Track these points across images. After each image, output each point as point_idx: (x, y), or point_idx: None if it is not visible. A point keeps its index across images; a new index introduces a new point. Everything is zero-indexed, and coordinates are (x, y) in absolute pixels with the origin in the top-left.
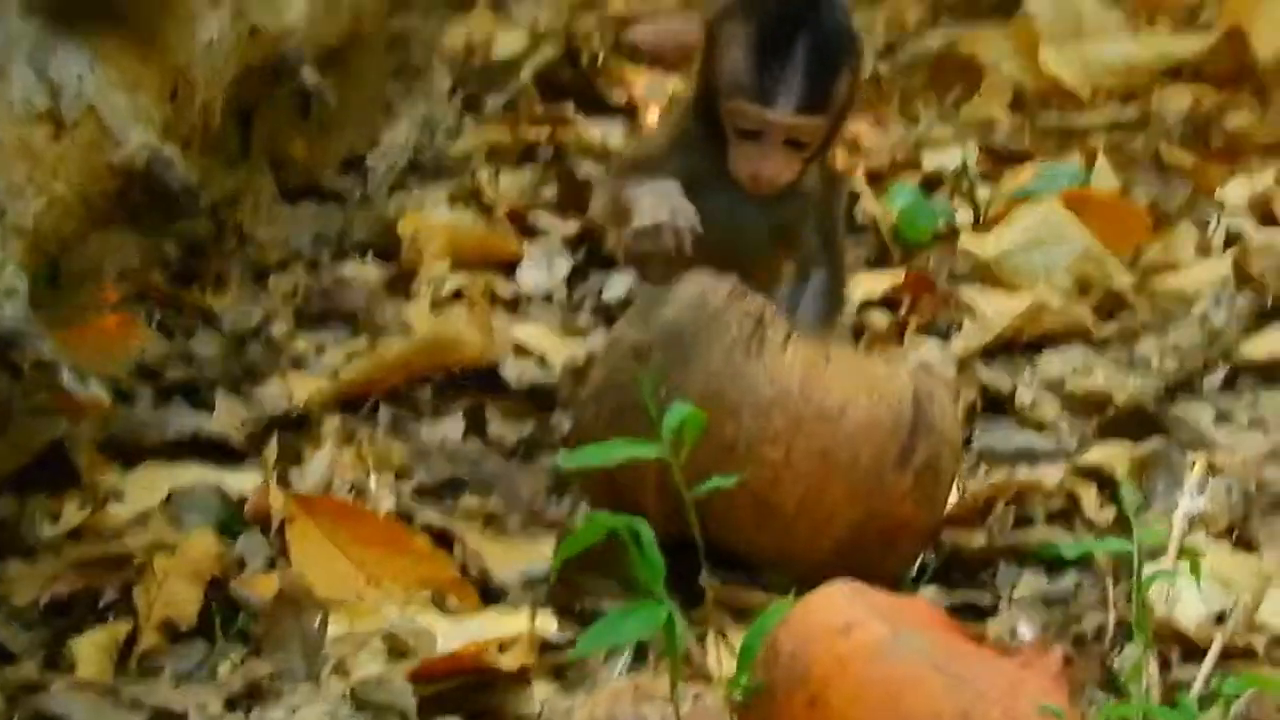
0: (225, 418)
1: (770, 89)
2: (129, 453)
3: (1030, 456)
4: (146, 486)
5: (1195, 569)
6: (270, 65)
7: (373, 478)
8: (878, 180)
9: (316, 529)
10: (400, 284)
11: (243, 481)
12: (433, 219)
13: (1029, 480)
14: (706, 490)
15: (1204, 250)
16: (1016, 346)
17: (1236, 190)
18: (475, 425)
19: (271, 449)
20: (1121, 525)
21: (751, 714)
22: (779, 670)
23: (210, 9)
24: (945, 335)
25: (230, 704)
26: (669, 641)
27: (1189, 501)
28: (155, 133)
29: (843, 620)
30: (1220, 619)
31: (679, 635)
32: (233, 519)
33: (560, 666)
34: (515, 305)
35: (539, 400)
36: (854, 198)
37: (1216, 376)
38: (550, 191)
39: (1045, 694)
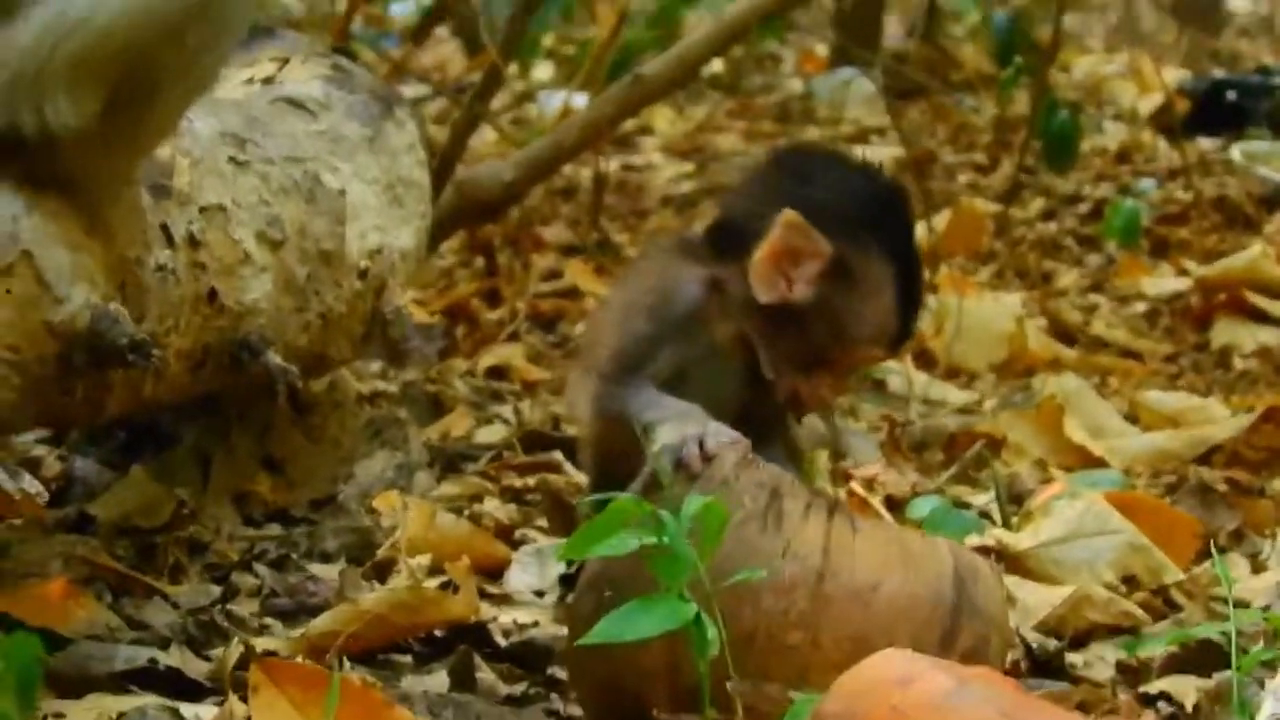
0: (180, 657)
1: (906, 337)
2: (74, 684)
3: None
4: (94, 710)
5: None
6: (231, 350)
7: None
8: (896, 505)
9: (284, 699)
10: (377, 574)
11: (201, 712)
12: (413, 510)
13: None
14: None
15: (1258, 571)
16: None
17: None
18: (462, 679)
19: (228, 667)
20: None
21: None
22: None
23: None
24: None
25: None
26: (700, 640)
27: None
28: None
29: (900, 673)
30: None
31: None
32: None
33: None
34: (504, 600)
35: (532, 660)
36: None
37: None
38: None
39: None
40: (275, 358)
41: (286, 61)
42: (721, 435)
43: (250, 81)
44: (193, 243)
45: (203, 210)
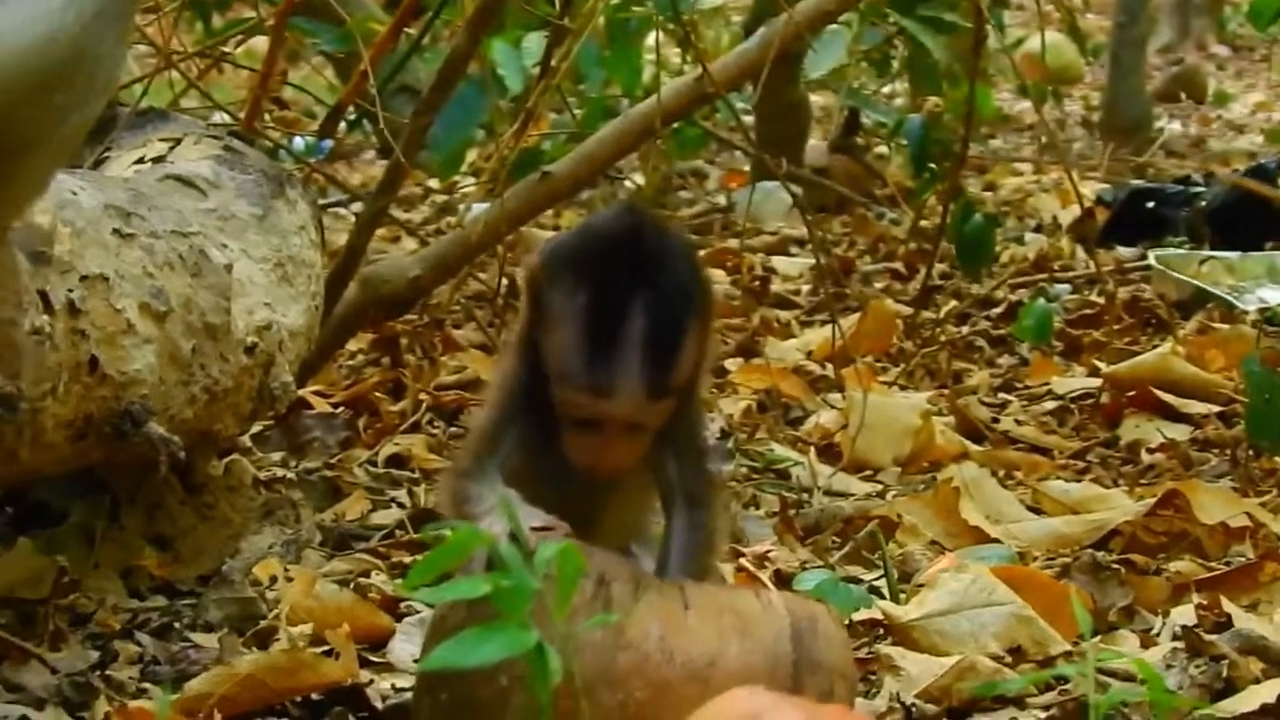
0: (54, 717)
1: (606, 379)
2: None
3: None
4: None
5: None
6: (113, 420)
7: None
8: (785, 581)
9: None
10: (259, 643)
11: None
12: (294, 578)
13: None
14: None
15: (1148, 646)
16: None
17: (1183, 610)
18: None
19: None
20: None
21: None
22: None
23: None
24: (865, 696)
25: None
26: (540, 673)
27: None
28: None
29: (749, 709)
30: None
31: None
32: None
33: None
34: (386, 668)
35: None
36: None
37: None
38: None
39: None
40: (158, 428)
41: (179, 142)
42: (533, 521)
43: (141, 161)
44: (72, 310)
45: (84, 279)
